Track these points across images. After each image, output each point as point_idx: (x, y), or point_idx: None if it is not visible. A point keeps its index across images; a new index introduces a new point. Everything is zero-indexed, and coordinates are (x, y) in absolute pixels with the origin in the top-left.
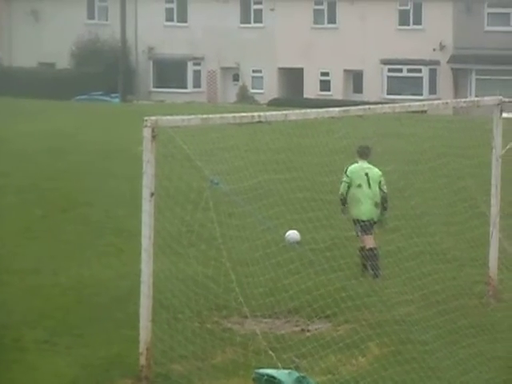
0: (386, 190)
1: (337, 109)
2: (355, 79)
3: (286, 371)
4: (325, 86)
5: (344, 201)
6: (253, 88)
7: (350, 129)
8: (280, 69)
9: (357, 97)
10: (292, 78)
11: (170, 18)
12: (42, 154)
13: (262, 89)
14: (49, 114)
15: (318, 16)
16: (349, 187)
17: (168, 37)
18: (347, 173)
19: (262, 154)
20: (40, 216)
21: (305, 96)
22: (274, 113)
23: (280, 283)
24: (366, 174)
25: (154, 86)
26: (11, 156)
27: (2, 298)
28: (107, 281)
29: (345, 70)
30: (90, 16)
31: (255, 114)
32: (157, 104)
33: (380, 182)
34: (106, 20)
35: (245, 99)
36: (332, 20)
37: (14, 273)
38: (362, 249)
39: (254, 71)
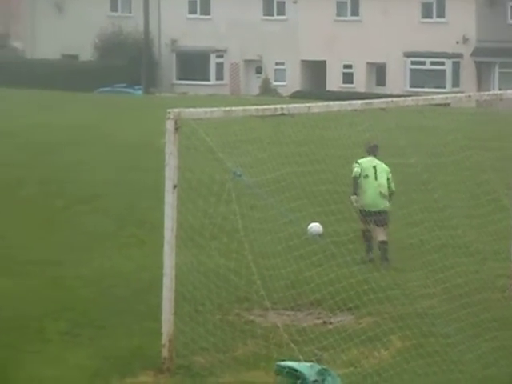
0: (394, 188)
1: (360, 101)
2: (378, 72)
3: (308, 364)
4: (348, 78)
5: (356, 181)
6: (275, 80)
7: (373, 122)
8: (303, 61)
9: (380, 89)
10: (315, 70)
11: (193, 11)
12: (64, 146)
13: (284, 81)
14: (71, 106)
15: (341, 8)
16: (360, 171)
17: (191, 29)
18: (356, 164)
19: (284, 147)
20: (61, 208)
21: (327, 89)
22: (296, 105)
23: (302, 276)
24: (374, 167)
25: (176, 79)
26: (33, 148)
27: (25, 290)
28: (129, 273)
29: (368, 63)
30: (114, 8)
31: (278, 106)
32: (179, 96)
33: (388, 179)
34: (130, 12)
35: (267, 92)
36: (355, 12)
37: (35, 264)
38: (364, 232)
39: (276, 64)
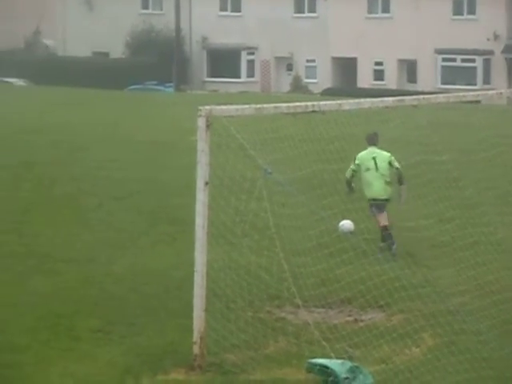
0: (398, 166)
1: (391, 98)
2: (409, 69)
3: (339, 361)
4: (378, 75)
5: (349, 184)
6: (306, 78)
7: (404, 118)
8: (334, 58)
9: (411, 86)
10: (346, 67)
11: (224, 8)
12: (96, 144)
13: (315, 78)
14: (103, 104)
15: (371, 5)
16: (355, 171)
17: (222, 26)
18: (356, 159)
19: (315, 144)
20: (94, 205)
21: (358, 85)
22: (327, 102)
23: (333, 273)
24: (374, 158)
25: (207, 76)
26: (66, 145)
27: (57, 287)
28: (160, 270)
29: (399, 60)
30: (145, 6)
31: (309, 103)
32: (210, 94)
33: (390, 162)
34: (161, 10)
35: (298, 89)
36: (386, 9)
37: (68, 262)
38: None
39: (307, 61)
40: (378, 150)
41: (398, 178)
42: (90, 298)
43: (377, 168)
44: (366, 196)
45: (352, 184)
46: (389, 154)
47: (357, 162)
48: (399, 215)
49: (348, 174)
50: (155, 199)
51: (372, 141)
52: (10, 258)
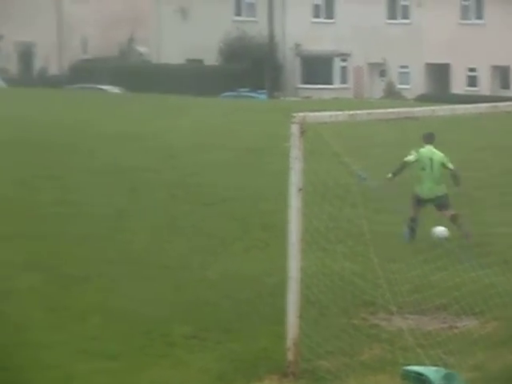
0: (452, 167)
1: (485, 104)
2: (502, 75)
3: (434, 368)
4: (472, 81)
5: (399, 171)
6: (400, 83)
7: (498, 125)
8: (427, 64)
9: (504, 92)
10: (439, 73)
11: (317, 15)
12: (190, 150)
13: (408, 84)
14: (196, 111)
15: (465, 12)
16: (410, 163)
17: (315, 33)
18: (415, 154)
19: (408, 150)
20: (187, 211)
21: (452, 92)
22: (421, 108)
23: (427, 280)
24: (431, 159)
25: (300, 82)
26: (160, 152)
27: (151, 293)
28: (253, 276)
29: (492, 66)
30: (238, 13)
31: (402, 109)
32: (303, 100)
33: (443, 164)
34: (254, 17)
35: (391, 95)
36: (479, 16)
37: (162, 268)
38: (412, 219)
39: (400, 67)
40: (435, 150)
41: (453, 179)
42: (184, 304)
43: (432, 169)
44: (414, 191)
45: (398, 174)
46: (443, 155)
47: (416, 157)
48: (492, 220)
49: (408, 158)
50: (248, 205)
51: (429, 139)
52: (104, 264)
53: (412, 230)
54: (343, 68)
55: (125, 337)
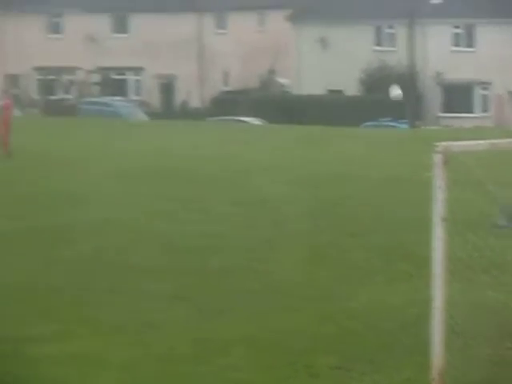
0: None
1: None
2: None
3: None
4: None
5: None
6: None
7: None
8: None
9: None
10: None
11: (457, 43)
12: (332, 180)
13: None
14: (337, 141)
15: None
16: None
17: (455, 62)
18: None
19: None
20: (330, 241)
21: None
22: None
23: None
24: None
25: (441, 111)
26: (303, 182)
27: (295, 324)
28: (396, 307)
29: None
30: (378, 43)
31: None
32: (444, 129)
33: None
34: (394, 46)
35: None
36: None
37: (305, 299)
38: None
39: None
40: None
41: None
42: (328, 334)
43: None
44: None
45: None
46: None
47: None
48: None
49: None
50: (391, 236)
51: None
52: (248, 295)
53: None
54: (484, 96)
55: (269, 368)
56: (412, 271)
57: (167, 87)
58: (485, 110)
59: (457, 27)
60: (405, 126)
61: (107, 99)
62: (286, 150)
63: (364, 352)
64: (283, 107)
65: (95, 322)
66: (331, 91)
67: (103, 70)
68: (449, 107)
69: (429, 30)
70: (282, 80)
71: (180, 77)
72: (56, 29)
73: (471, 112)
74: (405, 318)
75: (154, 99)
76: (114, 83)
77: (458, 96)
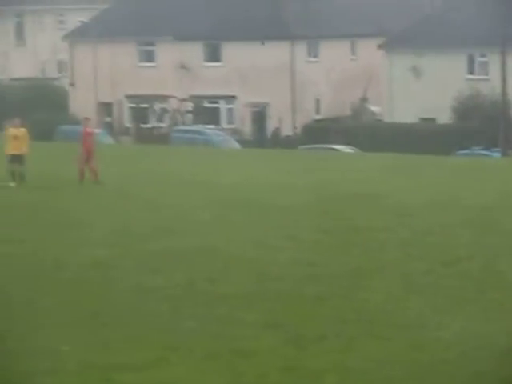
0: None
1: None
2: None
3: None
4: None
5: None
6: None
7: None
8: None
9: None
10: None
11: None
12: (424, 208)
13: None
14: (430, 169)
15: None
16: None
17: None
18: None
19: None
20: (422, 270)
21: None
22: None
23: None
24: None
25: None
26: (395, 211)
27: (387, 353)
28: (489, 335)
29: None
30: (471, 71)
31: None
32: None
33: None
34: (486, 75)
35: None
36: None
37: (397, 328)
38: None
39: None
40: None
41: None
42: (420, 363)
43: None
44: None
45: None
46: None
47: None
48: None
49: None
50: (483, 264)
51: None
52: (340, 323)
53: None
54: None
55: None
56: (504, 300)
57: (259, 115)
58: None
59: None
60: (497, 155)
61: (200, 127)
62: (377, 178)
63: (456, 381)
64: (375, 135)
65: (187, 349)
66: (423, 119)
67: (196, 99)
68: None
69: None
70: (373, 108)
71: (272, 105)
72: (148, 57)
73: None
74: (497, 347)
75: (246, 127)
76: (206, 111)
77: None
